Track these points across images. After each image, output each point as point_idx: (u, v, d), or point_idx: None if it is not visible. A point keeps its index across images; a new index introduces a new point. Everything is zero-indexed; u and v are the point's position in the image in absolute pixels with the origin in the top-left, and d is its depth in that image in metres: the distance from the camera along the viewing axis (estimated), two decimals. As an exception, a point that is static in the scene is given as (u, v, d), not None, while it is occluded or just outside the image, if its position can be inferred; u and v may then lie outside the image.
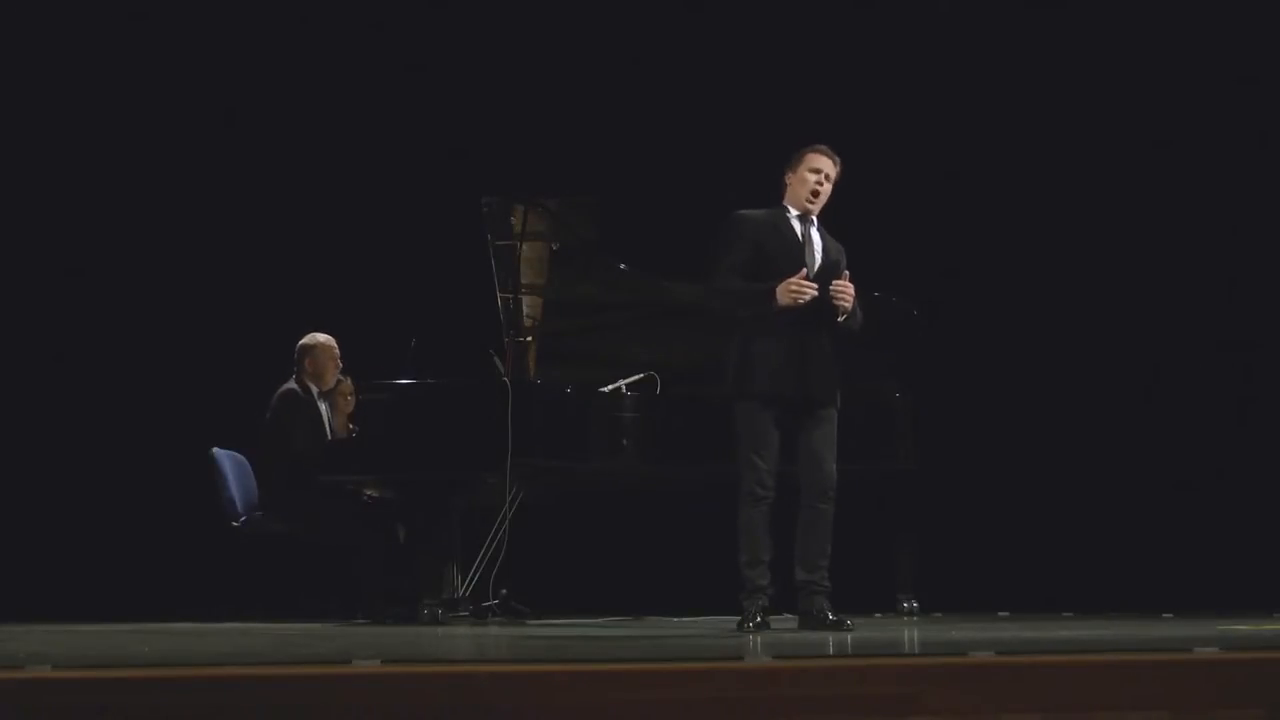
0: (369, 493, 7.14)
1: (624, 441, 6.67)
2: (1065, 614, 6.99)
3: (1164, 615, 6.63)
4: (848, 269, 5.70)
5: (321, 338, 7.35)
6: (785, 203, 5.76)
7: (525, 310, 7.01)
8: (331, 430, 7.23)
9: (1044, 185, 8.72)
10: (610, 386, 6.85)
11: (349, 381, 7.25)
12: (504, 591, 6.87)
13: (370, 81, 8.71)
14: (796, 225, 5.71)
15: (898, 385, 7.23)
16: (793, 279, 5.49)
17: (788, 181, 5.76)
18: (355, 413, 7.05)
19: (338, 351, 7.36)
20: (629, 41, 8.75)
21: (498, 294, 6.97)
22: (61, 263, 8.42)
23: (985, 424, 8.24)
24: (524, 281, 6.96)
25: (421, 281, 8.23)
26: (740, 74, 8.65)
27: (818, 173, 5.71)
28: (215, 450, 7.35)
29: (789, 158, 5.78)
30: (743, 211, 5.74)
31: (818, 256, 5.68)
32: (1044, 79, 8.73)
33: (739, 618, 5.52)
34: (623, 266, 7.02)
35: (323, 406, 7.27)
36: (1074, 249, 8.71)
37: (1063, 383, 8.58)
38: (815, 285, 5.51)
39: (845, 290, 5.58)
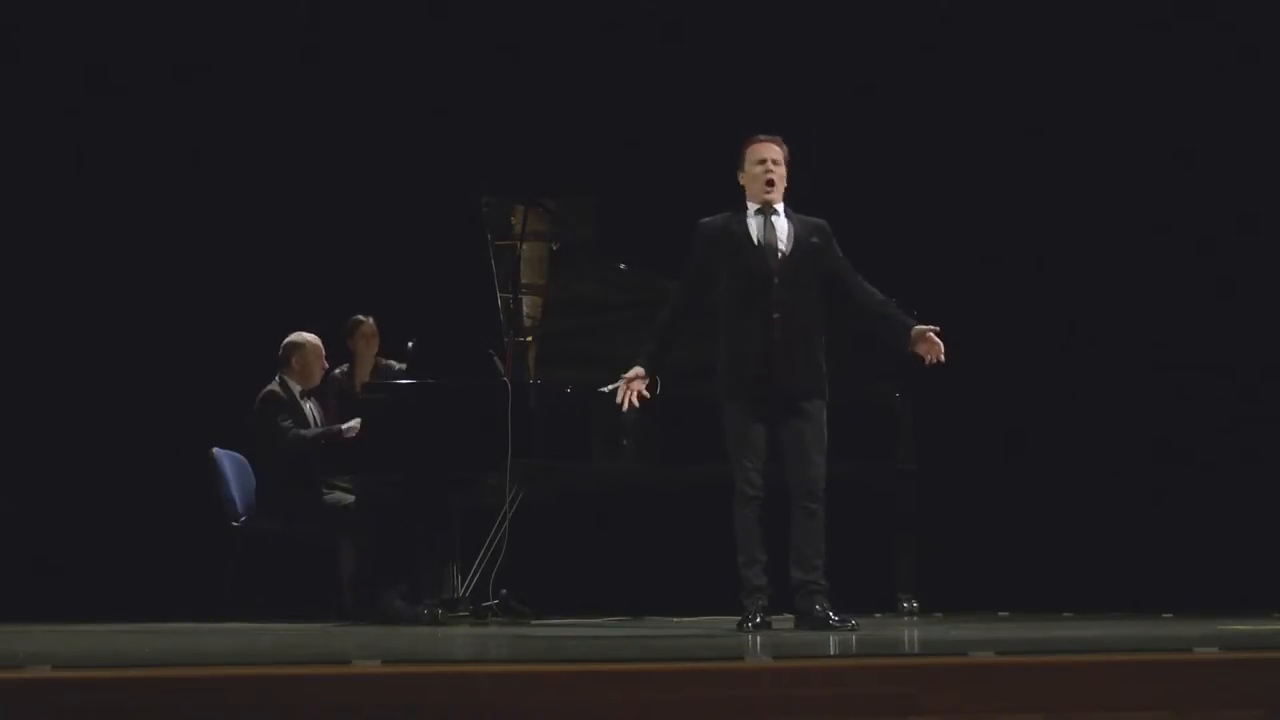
0: (343, 498, 7.14)
1: (624, 441, 6.67)
2: (1065, 614, 6.99)
3: (1164, 615, 6.63)
4: (842, 252, 5.72)
5: (309, 337, 7.36)
6: (747, 201, 5.75)
7: (525, 310, 7.01)
8: (321, 428, 7.25)
9: (1044, 186, 8.72)
10: (610, 386, 6.84)
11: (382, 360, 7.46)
12: (504, 591, 6.86)
13: (370, 82, 8.70)
14: (753, 221, 5.68)
15: (897, 386, 7.23)
16: (633, 383, 5.66)
17: (742, 182, 5.76)
18: (361, 406, 7.01)
19: (324, 352, 7.38)
20: (629, 41, 8.75)
21: (498, 294, 6.96)
22: (62, 263, 8.41)
23: (985, 424, 8.24)
24: (524, 281, 6.96)
25: (421, 281, 8.23)
26: (741, 73, 8.65)
27: (763, 162, 5.69)
28: (215, 450, 7.36)
29: (735, 160, 5.79)
30: (703, 220, 5.77)
31: (782, 244, 5.64)
32: (1044, 79, 8.73)
33: (739, 618, 5.52)
34: (623, 266, 7.02)
35: (307, 406, 7.28)
36: (1073, 249, 8.71)
37: (1062, 383, 8.58)
38: (626, 388, 5.68)
39: (937, 348, 5.60)
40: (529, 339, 7.02)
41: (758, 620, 5.45)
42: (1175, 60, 8.65)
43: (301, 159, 8.54)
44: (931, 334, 5.61)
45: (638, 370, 5.68)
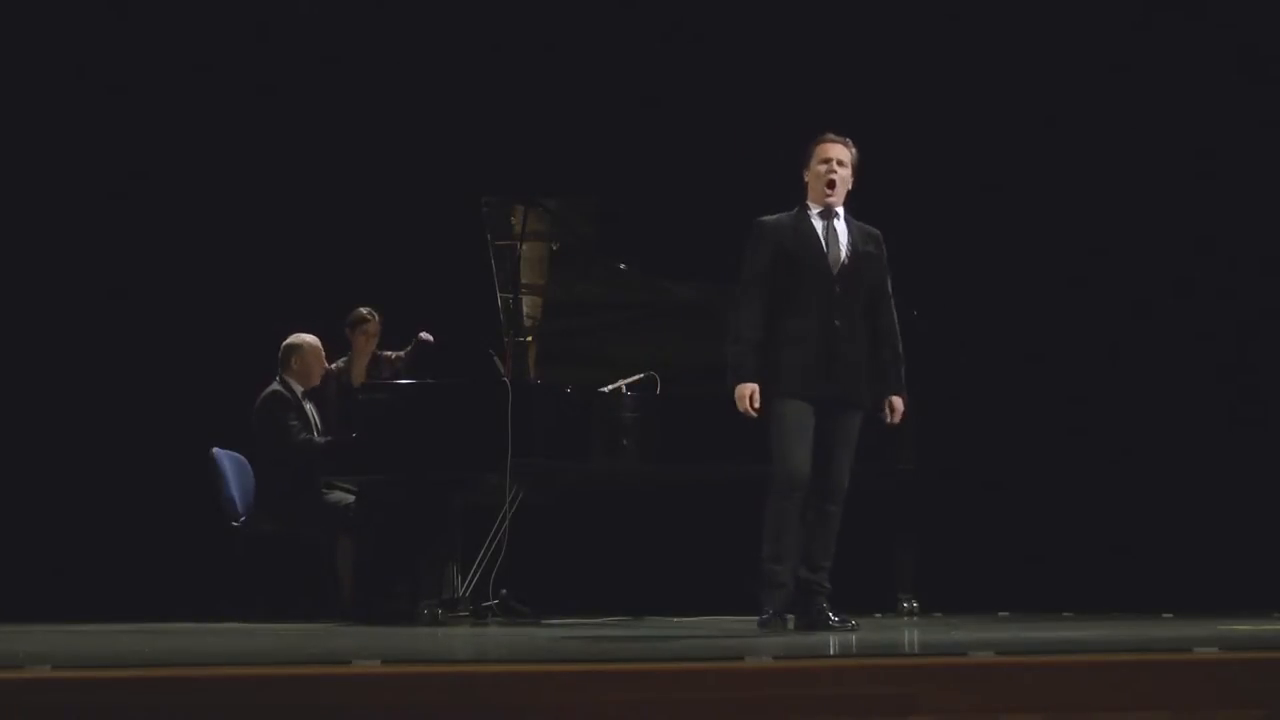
0: (343, 498, 7.15)
1: (624, 441, 6.67)
2: (1065, 614, 6.99)
3: (1164, 615, 6.63)
4: (888, 261, 5.75)
5: (308, 338, 7.36)
6: (808, 201, 5.71)
7: (525, 310, 7.01)
8: (319, 429, 7.25)
9: (1043, 186, 8.72)
10: (610, 386, 6.85)
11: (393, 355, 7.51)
12: (504, 591, 6.87)
13: (370, 81, 8.70)
14: (817, 223, 5.65)
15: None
16: (749, 402, 5.47)
17: (806, 179, 5.72)
18: (360, 406, 7.01)
19: (323, 353, 7.39)
20: (629, 41, 8.75)
21: (498, 294, 6.97)
22: (62, 263, 8.42)
23: (985, 424, 8.23)
24: (524, 281, 6.96)
25: (422, 281, 8.23)
26: (740, 73, 8.65)
27: (828, 161, 5.66)
28: (215, 450, 7.36)
29: (801, 157, 5.74)
30: (763, 218, 5.69)
31: (843, 250, 5.63)
32: (1047, 80, 8.73)
33: (759, 615, 5.46)
34: (623, 266, 7.02)
35: (307, 407, 7.28)
36: (1073, 249, 8.71)
37: (1062, 383, 8.58)
38: (749, 407, 5.47)
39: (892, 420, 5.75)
40: (529, 339, 7.03)
41: (781, 617, 5.42)
42: (1176, 59, 8.65)
43: (302, 159, 8.54)
44: (895, 412, 5.71)
45: (752, 386, 5.49)
